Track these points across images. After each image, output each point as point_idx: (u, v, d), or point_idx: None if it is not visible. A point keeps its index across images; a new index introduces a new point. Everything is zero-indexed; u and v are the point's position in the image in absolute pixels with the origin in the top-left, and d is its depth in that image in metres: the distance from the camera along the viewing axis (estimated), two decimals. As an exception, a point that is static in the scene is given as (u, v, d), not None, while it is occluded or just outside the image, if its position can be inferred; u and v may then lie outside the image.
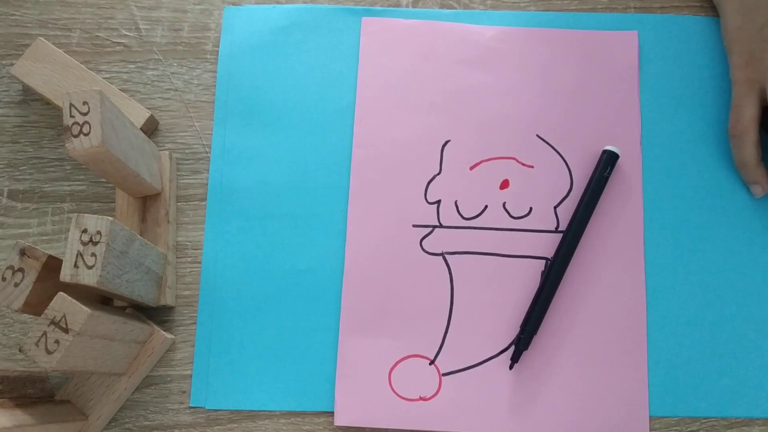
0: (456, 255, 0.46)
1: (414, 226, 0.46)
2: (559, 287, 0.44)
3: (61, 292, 0.36)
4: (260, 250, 0.46)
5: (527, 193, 0.47)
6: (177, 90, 0.49)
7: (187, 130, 0.49)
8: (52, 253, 0.39)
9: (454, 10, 0.50)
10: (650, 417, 0.43)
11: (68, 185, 0.48)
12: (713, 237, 0.46)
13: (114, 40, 0.50)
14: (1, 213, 0.47)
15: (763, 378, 0.44)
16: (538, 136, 0.48)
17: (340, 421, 0.43)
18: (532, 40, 0.49)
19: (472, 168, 0.47)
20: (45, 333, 0.36)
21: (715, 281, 0.45)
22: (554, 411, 0.43)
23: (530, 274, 0.45)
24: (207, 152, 0.48)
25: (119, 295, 0.40)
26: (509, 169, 0.47)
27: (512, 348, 0.44)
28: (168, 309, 0.46)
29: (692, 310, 0.45)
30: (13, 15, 0.51)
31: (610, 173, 0.46)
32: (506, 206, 0.47)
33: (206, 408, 0.44)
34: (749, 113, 0.44)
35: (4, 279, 0.38)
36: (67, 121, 0.38)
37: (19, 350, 0.36)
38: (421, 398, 0.44)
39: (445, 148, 0.48)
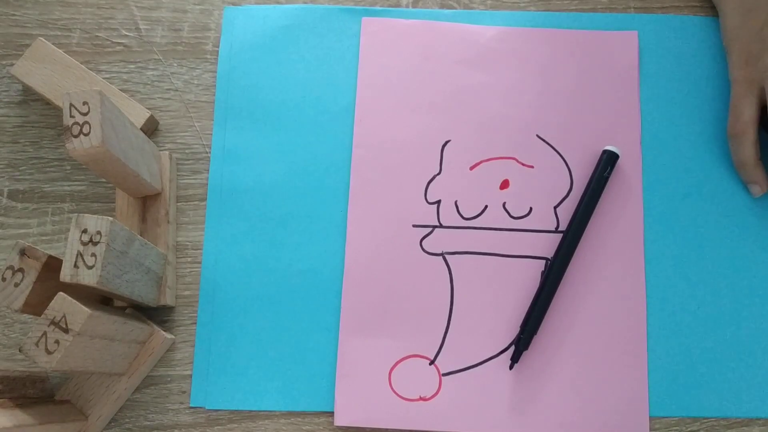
0: (456, 255, 0.46)
1: (414, 226, 0.46)
2: (559, 287, 0.44)
3: (61, 292, 0.36)
4: (260, 250, 0.46)
5: (527, 193, 0.47)
6: (177, 90, 0.49)
7: (187, 130, 0.49)
8: (52, 253, 0.39)
9: (454, 10, 0.50)
10: (650, 417, 0.43)
11: (68, 185, 0.48)
12: (713, 237, 0.46)
13: (114, 40, 0.50)
14: (1, 213, 0.47)
15: (763, 378, 0.44)
16: (538, 136, 0.48)
17: (340, 421, 0.43)
18: (532, 40, 0.49)
19: (472, 168, 0.47)
20: (45, 333, 0.36)
21: (715, 281, 0.45)
22: (554, 411, 0.43)
23: (530, 274, 0.45)
24: (207, 152, 0.48)
25: (119, 295, 0.40)
26: (509, 169, 0.47)
27: (512, 348, 0.44)
28: (168, 309, 0.46)
29: (692, 311, 0.45)
30: (13, 15, 0.51)
31: (610, 173, 0.46)
32: (506, 206, 0.47)
33: (206, 408, 0.44)
34: (748, 113, 0.44)
35: (4, 279, 0.38)
36: (67, 121, 0.38)
37: (19, 350, 0.36)
38: (421, 398, 0.44)
39: (445, 148, 0.48)
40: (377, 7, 0.50)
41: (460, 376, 0.44)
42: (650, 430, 0.43)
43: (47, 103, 0.48)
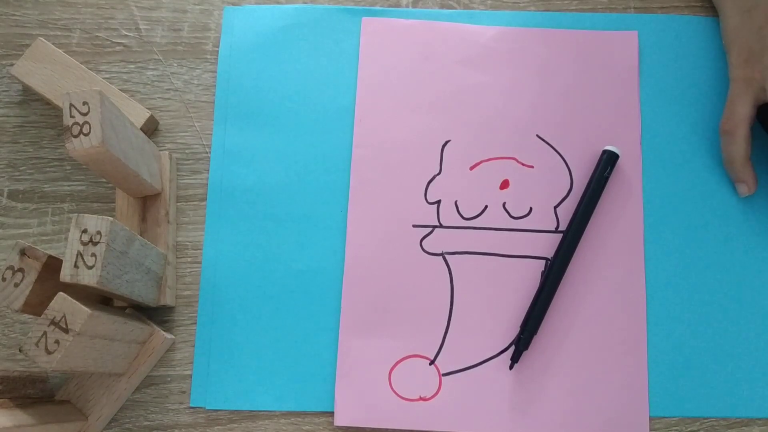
0: (456, 255, 0.46)
1: (414, 226, 0.46)
2: (559, 287, 0.44)
3: (61, 292, 0.36)
4: (260, 250, 0.46)
5: (527, 193, 0.47)
6: (177, 90, 0.49)
7: (187, 130, 0.49)
8: (52, 253, 0.39)
9: (454, 10, 0.50)
10: (650, 417, 0.43)
11: (68, 185, 0.48)
12: (713, 237, 0.46)
13: (114, 40, 0.50)
14: (1, 213, 0.47)
15: (763, 378, 0.44)
16: (538, 136, 0.48)
17: (340, 421, 0.43)
18: (532, 40, 0.49)
19: (472, 168, 0.47)
20: (45, 333, 0.36)
21: (715, 281, 0.45)
22: (554, 411, 0.43)
23: (530, 274, 0.45)
24: (207, 152, 0.48)
25: (119, 295, 0.40)
26: (509, 169, 0.47)
27: (512, 348, 0.44)
28: (168, 309, 0.46)
29: (692, 310, 0.45)
30: (13, 15, 0.51)
31: (610, 173, 0.46)
32: (506, 206, 0.47)
33: (206, 408, 0.44)
34: (741, 111, 0.44)
35: (4, 279, 0.38)
36: (67, 121, 0.38)
37: (19, 350, 0.36)
38: (421, 398, 0.44)
39: (445, 148, 0.48)
40: (377, 7, 0.50)
41: (460, 376, 0.44)
42: (650, 430, 0.43)
43: (47, 103, 0.48)
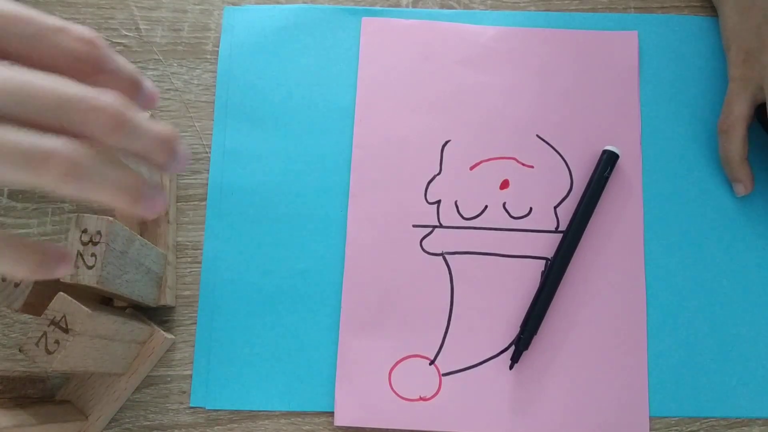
0: (456, 255, 0.46)
1: (414, 226, 0.46)
2: (559, 287, 0.44)
3: (61, 292, 0.36)
4: (260, 250, 0.46)
5: (527, 193, 0.47)
6: (177, 90, 0.49)
7: (187, 130, 0.49)
8: (52, 253, 0.39)
9: (454, 10, 0.50)
10: (650, 417, 0.43)
11: (68, 185, 0.48)
12: (713, 237, 0.46)
13: (114, 40, 0.50)
14: (1, 213, 0.47)
15: (763, 378, 0.44)
16: (538, 136, 0.48)
17: (340, 421, 0.43)
18: (532, 40, 0.49)
19: (472, 168, 0.47)
20: (45, 333, 0.36)
21: (715, 281, 0.45)
22: (554, 411, 0.43)
23: (530, 274, 0.45)
24: (207, 152, 0.48)
25: (119, 295, 0.40)
26: (509, 169, 0.47)
27: (512, 348, 0.44)
28: (168, 309, 0.46)
29: (692, 310, 0.45)
30: (13, 15, 0.51)
31: (610, 173, 0.46)
32: (506, 206, 0.47)
33: (206, 408, 0.44)
34: (739, 110, 0.44)
35: (4, 279, 0.38)
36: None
37: (19, 350, 0.36)
38: (421, 398, 0.44)
39: (445, 148, 0.48)
40: (377, 7, 0.50)
41: (460, 376, 0.44)
42: (650, 430, 0.43)
43: (47, 103, 0.48)
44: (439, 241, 0.46)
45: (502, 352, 0.44)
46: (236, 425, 0.44)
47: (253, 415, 0.44)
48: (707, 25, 0.49)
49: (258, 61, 0.49)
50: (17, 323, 0.46)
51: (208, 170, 0.48)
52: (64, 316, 0.36)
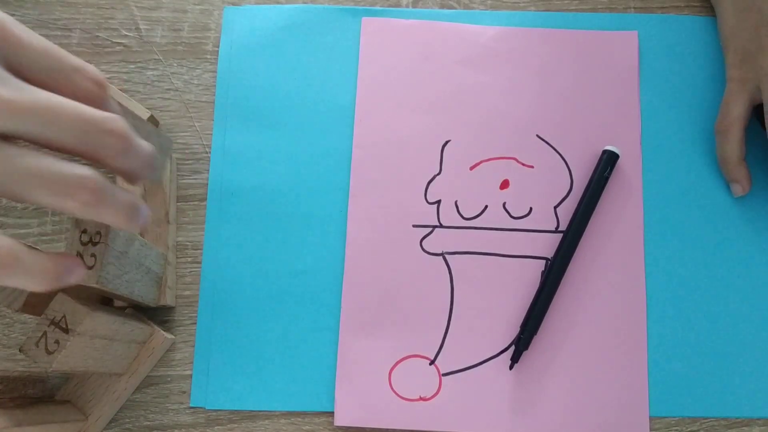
0: (456, 255, 0.46)
1: (414, 226, 0.46)
2: (559, 287, 0.44)
3: (61, 292, 0.36)
4: (260, 250, 0.46)
5: (527, 193, 0.47)
6: (177, 90, 0.49)
7: (187, 130, 0.49)
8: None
9: (454, 10, 0.50)
10: (650, 417, 0.43)
11: (68, 185, 0.48)
12: (713, 237, 0.46)
13: (114, 40, 0.50)
14: (1, 213, 0.47)
15: (763, 378, 0.44)
16: (538, 136, 0.48)
17: (340, 421, 0.43)
18: (532, 40, 0.49)
19: (472, 168, 0.47)
20: (45, 333, 0.36)
21: (716, 281, 0.45)
22: (554, 411, 0.43)
23: (530, 274, 0.45)
24: (207, 152, 0.48)
25: (119, 296, 0.40)
26: (509, 169, 0.47)
27: (512, 348, 0.44)
28: (168, 309, 0.46)
29: (692, 310, 0.45)
30: (13, 15, 0.51)
31: (610, 173, 0.46)
32: (506, 206, 0.47)
33: (206, 408, 0.44)
34: (736, 111, 0.45)
35: (4, 279, 0.38)
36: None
37: (19, 350, 0.36)
38: (421, 398, 0.44)
39: (445, 148, 0.48)
40: (377, 7, 0.50)
41: (460, 376, 0.44)
42: (650, 430, 0.43)
43: (47, 103, 0.48)
44: (439, 241, 0.46)
45: (502, 352, 0.44)
46: (236, 425, 0.44)
47: (253, 415, 0.44)
48: (707, 25, 0.49)
49: (258, 61, 0.49)
50: (17, 323, 0.46)
51: (208, 170, 0.48)
52: (64, 316, 0.36)
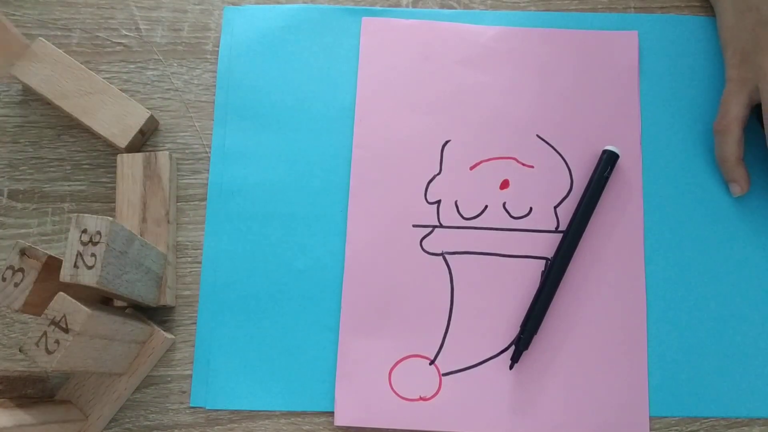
0: (456, 255, 0.46)
1: (414, 226, 0.46)
2: (559, 287, 0.44)
3: (61, 292, 0.36)
4: (260, 250, 0.46)
5: (527, 193, 0.47)
6: (177, 90, 0.49)
7: (187, 130, 0.49)
8: (52, 253, 0.39)
9: (454, 10, 0.50)
10: (650, 417, 0.43)
11: (68, 185, 0.48)
12: (713, 237, 0.46)
13: (114, 40, 0.50)
14: (1, 213, 0.47)
15: (763, 378, 0.44)
16: (538, 136, 0.48)
17: (340, 421, 0.43)
18: (532, 40, 0.49)
19: (472, 168, 0.47)
20: (45, 333, 0.36)
21: (715, 281, 0.45)
22: (554, 411, 0.43)
23: (530, 274, 0.45)
24: (207, 152, 0.48)
25: (119, 295, 0.40)
26: (509, 169, 0.47)
27: (512, 348, 0.44)
28: (168, 309, 0.46)
29: (692, 310, 0.45)
30: (13, 15, 0.51)
31: (610, 173, 0.46)
32: (506, 206, 0.47)
33: (206, 408, 0.44)
34: (735, 111, 0.45)
35: (4, 279, 0.38)
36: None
37: (19, 350, 0.36)
38: (421, 398, 0.44)
39: (445, 148, 0.48)
40: (377, 7, 0.50)
41: (460, 376, 0.44)
42: (650, 430, 0.43)
43: (47, 103, 0.48)
44: (439, 241, 0.46)
45: (502, 352, 0.44)
46: (236, 425, 0.44)
47: (253, 415, 0.44)
48: (707, 25, 0.49)
49: (258, 61, 0.49)
50: (17, 323, 0.46)
51: (208, 170, 0.48)
52: (64, 316, 0.36)
